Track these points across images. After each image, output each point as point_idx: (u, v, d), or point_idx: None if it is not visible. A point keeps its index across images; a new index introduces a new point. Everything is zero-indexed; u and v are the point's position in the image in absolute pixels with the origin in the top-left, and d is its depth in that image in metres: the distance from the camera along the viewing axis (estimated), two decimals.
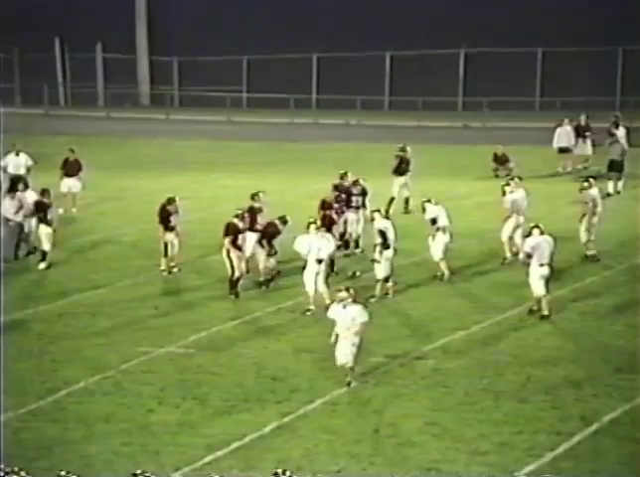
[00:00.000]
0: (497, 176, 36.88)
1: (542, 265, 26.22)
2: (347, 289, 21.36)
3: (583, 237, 30.63)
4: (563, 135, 42.32)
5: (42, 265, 30.24)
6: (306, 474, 15.49)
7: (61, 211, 32.83)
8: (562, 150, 42.19)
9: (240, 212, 28.02)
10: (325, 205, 29.44)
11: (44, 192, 31.19)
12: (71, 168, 36.57)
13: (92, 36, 61.75)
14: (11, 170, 36.83)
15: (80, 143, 39.95)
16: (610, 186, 39.19)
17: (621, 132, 40.97)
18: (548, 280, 26.35)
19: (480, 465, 18.25)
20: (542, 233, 26.71)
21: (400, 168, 36.98)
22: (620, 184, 39.31)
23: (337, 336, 21.13)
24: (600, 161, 40.89)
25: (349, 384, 21.38)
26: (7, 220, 31.37)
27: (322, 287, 26.37)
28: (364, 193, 31.42)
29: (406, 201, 36.29)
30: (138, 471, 14.41)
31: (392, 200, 35.82)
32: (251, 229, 28.23)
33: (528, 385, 21.93)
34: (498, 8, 69.20)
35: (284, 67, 59.76)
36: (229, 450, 18.85)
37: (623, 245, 29.54)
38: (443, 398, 21.25)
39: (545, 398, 21.25)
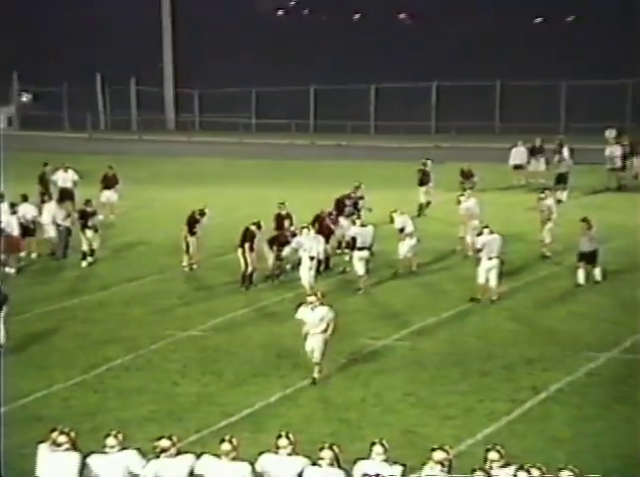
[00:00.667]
0: (464, 188, 36.76)
1: (490, 259, 26.30)
2: (315, 293, 20.86)
3: (546, 238, 30.61)
4: (517, 154, 42.36)
5: (84, 263, 30.23)
6: (304, 438, 15.41)
7: (101, 217, 32.82)
8: (516, 167, 42.21)
9: (256, 221, 27.99)
10: (320, 218, 29.15)
11: (87, 202, 31.19)
12: (109, 182, 36.61)
13: (127, 72, 61.72)
14: (60, 184, 36.88)
15: (117, 161, 39.92)
16: (557, 195, 39.23)
17: (565, 152, 40.98)
18: (499, 271, 26.37)
19: (449, 428, 18.32)
20: (491, 232, 26.78)
21: (423, 179, 37.15)
22: (565, 194, 39.33)
23: (306, 334, 20.50)
24: (551, 176, 40.95)
25: (314, 380, 20.50)
26: (57, 224, 31.37)
27: (311, 280, 26.40)
28: (356, 202, 31.48)
29: (426, 205, 36.45)
30: (166, 434, 14.41)
31: (420, 206, 35.82)
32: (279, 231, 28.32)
33: (489, 361, 21.96)
34: (464, 47, 69.29)
35: (287, 97, 59.71)
36: (240, 416, 18.90)
37: (568, 245, 29.45)
38: (418, 373, 21.29)
39: (502, 373, 21.30)
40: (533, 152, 42.40)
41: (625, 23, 70.50)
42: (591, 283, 27.63)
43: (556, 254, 30.12)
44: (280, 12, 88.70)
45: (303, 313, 20.44)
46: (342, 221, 30.10)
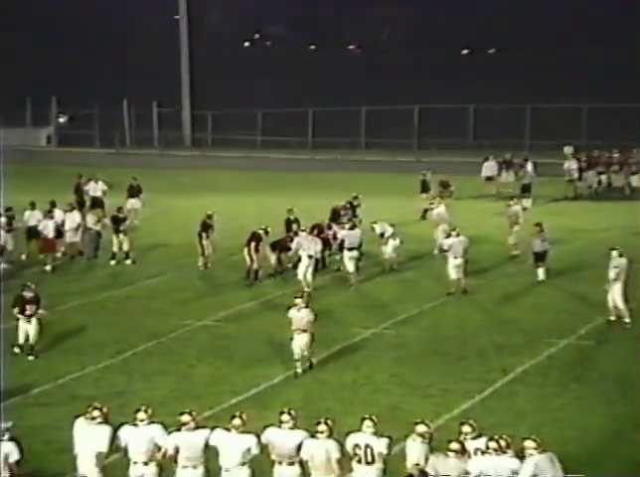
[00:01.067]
0: (442, 197, 36.77)
1: (455, 258, 26.31)
2: (301, 296, 20.46)
3: (512, 240, 30.60)
4: (489, 168, 42.34)
5: (112, 262, 30.19)
6: (303, 413, 15.43)
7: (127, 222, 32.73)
8: (488, 178, 42.21)
9: (264, 227, 27.96)
10: (319, 227, 28.88)
11: (119, 209, 31.17)
12: (134, 191, 36.56)
13: (149, 96, 61.72)
14: (92, 193, 36.84)
15: (140, 173, 39.93)
16: (523, 203, 39.23)
17: (529, 166, 41.02)
18: (464, 269, 26.35)
19: (429, 405, 18.29)
20: (458, 234, 26.78)
21: (424, 188, 37.17)
22: (530, 202, 39.34)
23: (294, 332, 20.06)
24: (519, 186, 41.00)
25: (296, 375, 19.87)
26: (89, 228, 31.32)
27: (309, 277, 26.38)
28: (354, 210, 31.37)
29: (425, 211, 36.09)
30: (187, 410, 14.44)
31: (424, 211, 35.71)
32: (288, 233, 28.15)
33: (464, 347, 21.96)
34: (444, 75, 69.49)
35: (288, 117, 59.71)
36: (248, 395, 18.88)
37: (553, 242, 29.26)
38: (403, 358, 21.27)
39: (476, 357, 21.29)
40: (503, 165, 42.42)
41: (592, 54, 70.78)
42: (552, 279, 27.60)
43: (523, 254, 30.06)
44: (247, 44, 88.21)
45: (292, 313, 20.16)
46: (335, 228, 29.90)
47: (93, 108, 61.35)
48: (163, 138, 62.81)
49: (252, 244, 27.47)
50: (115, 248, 30.27)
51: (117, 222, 30.41)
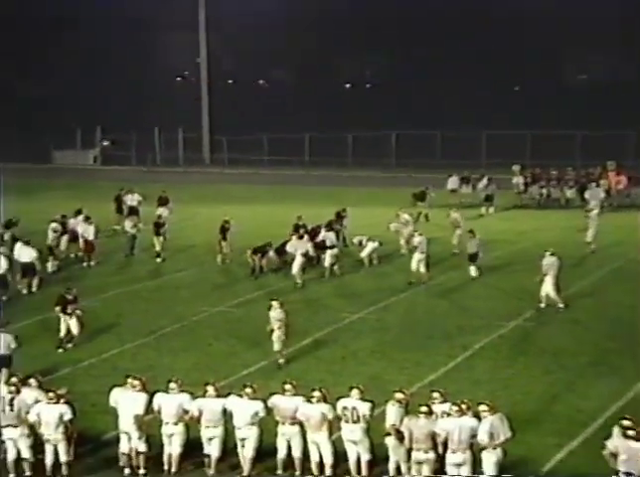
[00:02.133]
0: (415, 206, 36.66)
1: (422, 253, 26.21)
2: (277, 299, 19.55)
3: (454, 240, 30.27)
4: (452, 182, 42.10)
5: (158, 260, 29.98)
6: (302, 382, 15.43)
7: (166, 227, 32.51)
8: (452, 191, 41.95)
9: (269, 242, 27.69)
10: (312, 233, 28.40)
11: (159, 216, 31.14)
12: (163, 201, 36.15)
13: (176, 123, 61.59)
14: (129, 203, 36.58)
15: (168, 187, 39.81)
16: (483, 210, 39.26)
17: (485, 181, 40.93)
18: (426, 263, 26.21)
19: (404, 375, 18.28)
20: (420, 234, 26.70)
21: (422, 197, 37.16)
22: (492, 209, 39.32)
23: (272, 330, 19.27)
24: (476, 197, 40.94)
25: (279, 366, 18.94)
26: (126, 232, 31.24)
27: (299, 270, 26.06)
28: (341, 219, 30.89)
29: (425, 216, 35.94)
30: (210, 381, 14.52)
31: (419, 213, 35.39)
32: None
33: (432, 329, 21.88)
34: (412, 106, 69.45)
35: (289, 141, 59.66)
36: (256, 368, 18.90)
37: (484, 245, 29.11)
38: (383, 337, 21.24)
39: (442, 336, 21.26)
40: (463, 181, 42.28)
41: (544, 87, 70.82)
42: (502, 272, 27.46)
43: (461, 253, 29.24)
44: (179, 79, 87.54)
45: (270, 312, 19.30)
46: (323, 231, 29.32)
47: (131, 134, 61.19)
48: (187, 158, 62.64)
49: (259, 255, 27.34)
50: (158, 248, 30.00)
51: (158, 226, 30.27)
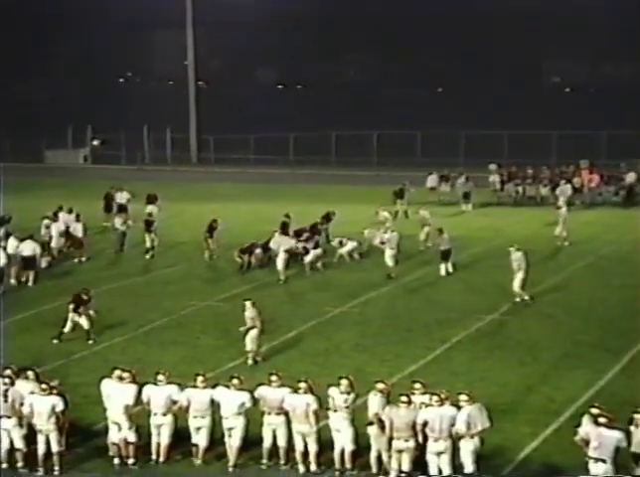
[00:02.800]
0: (394, 202, 36.69)
1: (392, 249, 26.27)
2: (249, 299, 19.24)
3: (421, 236, 30.20)
4: (432, 180, 42.14)
5: (147, 256, 29.76)
6: (287, 374, 15.47)
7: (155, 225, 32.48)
8: (431, 188, 42.02)
9: (256, 241, 27.60)
10: (298, 233, 28.37)
11: (150, 214, 31.06)
12: (151, 199, 35.76)
13: (164, 124, 61.43)
14: (118, 200, 36.43)
15: (157, 186, 39.75)
16: (463, 207, 39.37)
17: (463, 178, 41.05)
18: (395, 259, 26.23)
19: (385, 367, 18.35)
20: (392, 231, 26.78)
21: (401, 194, 37.01)
22: (469, 206, 39.39)
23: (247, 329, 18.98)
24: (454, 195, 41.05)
25: (256, 362, 18.64)
26: (116, 229, 31.16)
27: (282, 265, 26.03)
28: (329, 220, 30.58)
29: (405, 212, 35.87)
30: (200, 372, 14.58)
31: (396, 213, 35.28)
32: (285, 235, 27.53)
33: (412, 322, 21.97)
34: (393, 107, 69.53)
35: (274, 141, 59.64)
36: (241, 361, 18.85)
37: (457, 240, 29.06)
38: (365, 331, 21.29)
39: (421, 329, 21.34)
40: (442, 179, 42.36)
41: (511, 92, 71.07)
42: (478, 267, 27.52)
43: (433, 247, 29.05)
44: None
45: (245, 313, 18.97)
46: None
47: (120, 134, 61.02)
48: (175, 157, 62.54)
49: (246, 254, 27.33)
50: (149, 244, 29.93)
51: (149, 224, 30.25)
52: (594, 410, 12.85)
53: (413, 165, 49.83)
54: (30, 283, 25.79)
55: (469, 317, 22.18)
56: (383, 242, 26.78)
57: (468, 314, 22.46)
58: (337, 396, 13.98)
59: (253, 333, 18.76)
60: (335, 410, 13.95)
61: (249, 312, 18.83)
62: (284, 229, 28.26)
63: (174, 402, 14.32)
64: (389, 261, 26.30)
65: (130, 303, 23.99)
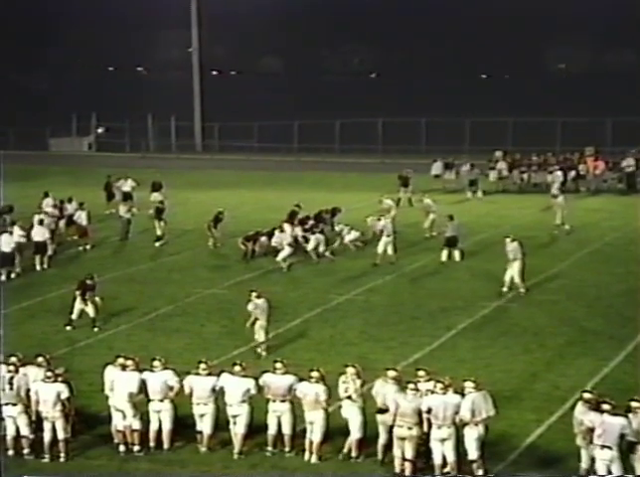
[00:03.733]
0: (399, 191, 36.60)
1: (388, 236, 26.21)
2: (255, 290, 18.83)
3: (426, 224, 30.13)
4: (436, 167, 42.06)
5: (157, 244, 29.68)
6: (291, 362, 15.47)
7: (151, 211, 32.53)
8: (436, 176, 41.95)
9: (261, 230, 27.47)
10: (302, 221, 28.33)
11: (161, 202, 31.12)
12: (156, 187, 35.93)
13: (169, 112, 61.31)
14: (123, 188, 36.41)
15: (161, 173, 39.74)
16: (469, 194, 39.26)
17: (467, 166, 40.96)
18: (394, 245, 26.25)
19: (390, 355, 18.31)
20: (386, 218, 27.06)
21: (405, 182, 36.90)
22: (479, 193, 39.25)
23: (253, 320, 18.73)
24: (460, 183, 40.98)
25: (259, 356, 18.30)
26: (121, 216, 31.12)
27: (283, 257, 26.07)
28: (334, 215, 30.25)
29: (409, 200, 35.84)
30: (203, 359, 14.57)
31: (399, 200, 35.17)
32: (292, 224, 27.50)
33: (418, 309, 21.95)
34: (400, 94, 69.30)
35: (279, 128, 59.50)
36: (247, 347, 18.85)
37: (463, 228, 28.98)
38: (371, 318, 21.25)
39: (427, 317, 21.33)
40: (447, 166, 42.26)
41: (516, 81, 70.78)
42: (483, 255, 27.41)
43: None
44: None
45: (250, 305, 18.71)
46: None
47: (125, 122, 60.95)
48: (179, 145, 62.47)
49: (250, 242, 27.27)
50: (159, 232, 29.86)
51: (160, 212, 30.24)
52: (587, 395, 12.92)
53: (418, 153, 49.76)
54: (45, 266, 26.12)
55: (474, 304, 22.17)
56: (380, 230, 26.77)
57: (473, 301, 22.45)
58: (348, 384, 13.96)
59: (262, 324, 18.59)
60: (349, 398, 13.94)
61: (252, 305, 18.59)
62: (292, 218, 28.15)
63: (170, 388, 14.32)
64: (385, 249, 26.26)
65: (135, 291, 23.99)
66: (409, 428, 13.33)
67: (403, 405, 13.32)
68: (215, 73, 78.88)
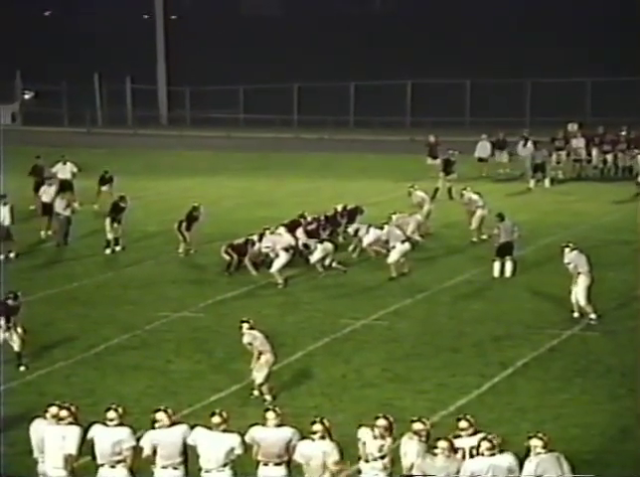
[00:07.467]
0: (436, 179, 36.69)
1: (403, 243, 26.71)
2: (247, 320, 18.86)
3: (473, 225, 30.29)
4: (482, 148, 42.10)
5: (107, 251, 29.78)
6: (290, 410, 15.45)
7: (96, 206, 32.55)
8: (480, 159, 41.99)
9: (251, 238, 27.42)
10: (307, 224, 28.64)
11: (121, 198, 30.44)
12: (106, 179, 35.87)
13: (123, 71, 61.58)
14: (60, 176, 36.50)
15: (113, 154, 39.97)
16: (532, 183, 39.43)
17: (529, 144, 41.04)
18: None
19: (423, 401, 18.37)
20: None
21: (446, 167, 37.33)
22: (547, 182, 39.47)
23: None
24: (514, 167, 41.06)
25: (257, 397, 18.55)
26: (58, 214, 31.16)
27: (278, 266, 26.15)
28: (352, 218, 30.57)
29: (449, 191, 36.40)
30: (161, 407, 14.44)
31: (436, 191, 35.74)
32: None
33: (459, 339, 22.05)
34: (436, 48, 69.44)
35: (272, 94, 59.71)
36: (229, 392, 18.93)
37: (536, 231, 29.13)
38: (395, 351, 21.34)
39: (472, 349, 21.41)
40: (496, 145, 42.29)
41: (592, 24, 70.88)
42: (553, 264, 27.32)
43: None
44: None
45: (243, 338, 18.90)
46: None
47: (61, 84, 61.18)
48: (137, 117, 62.74)
49: (238, 253, 27.10)
50: (110, 236, 29.80)
51: (118, 210, 29.87)
52: None
53: (458, 126, 49.89)
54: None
55: (538, 333, 22.20)
56: (413, 233, 26.88)
57: (537, 329, 22.48)
58: (370, 441, 13.88)
59: (266, 359, 18.64)
60: (367, 460, 13.86)
61: (249, 337, 18.70)
62: (293, 229, 27.93)
63: (126, 450, 14.21)
64: (399, 258, 26.45)
65: (77, 315, 24.06)
66: None
67: (431, 472, 13.26)
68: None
